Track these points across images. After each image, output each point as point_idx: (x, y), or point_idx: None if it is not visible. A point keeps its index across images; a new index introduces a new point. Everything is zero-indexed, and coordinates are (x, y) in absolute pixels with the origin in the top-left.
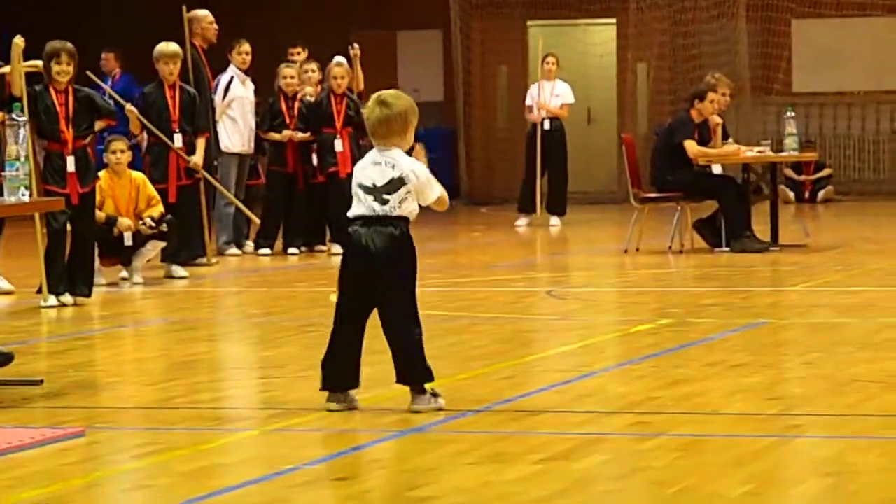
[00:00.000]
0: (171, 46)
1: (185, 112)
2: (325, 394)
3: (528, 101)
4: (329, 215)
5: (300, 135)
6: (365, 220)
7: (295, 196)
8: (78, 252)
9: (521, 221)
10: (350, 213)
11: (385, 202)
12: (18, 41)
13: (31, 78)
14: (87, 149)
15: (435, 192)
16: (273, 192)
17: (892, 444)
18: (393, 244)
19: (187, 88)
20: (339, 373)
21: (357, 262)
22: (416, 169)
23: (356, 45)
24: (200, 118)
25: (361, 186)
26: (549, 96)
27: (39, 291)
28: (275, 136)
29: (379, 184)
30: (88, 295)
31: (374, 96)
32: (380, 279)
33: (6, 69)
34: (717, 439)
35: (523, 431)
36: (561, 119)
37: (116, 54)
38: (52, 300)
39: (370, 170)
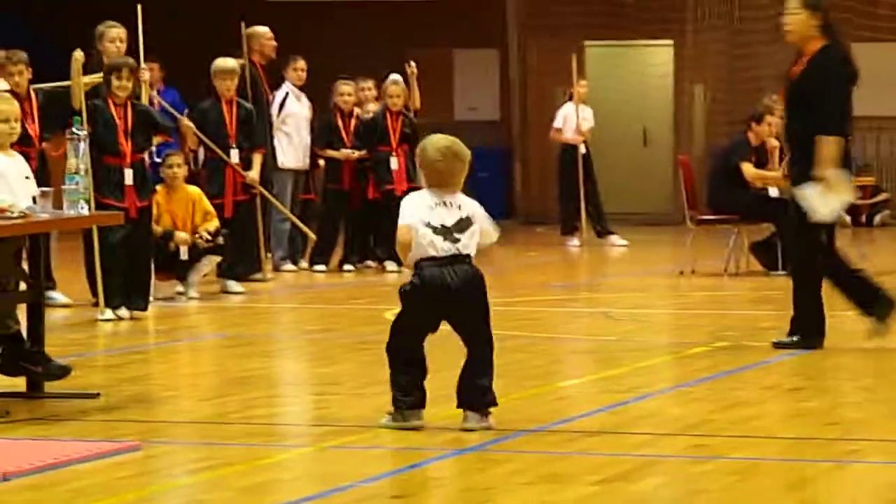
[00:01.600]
0: (229, 63)
1: (241, 127)
2: (382, 412)
3: (558, 124)
4: (384, 233)
5: (356, 153)
6: (436, 260)
7: (350, 213)
8: (135, 266)
9: (574, 242)
10: (416, 257)
11: (457, 241)
12: (78, 55)
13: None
14: (143, 162)
15: (495, 234)
16: (329, 209)
17: None
18: (471, 281)
19: (244, 104)
20: (421, 392)
21: (434, 301)
22: (478, 210)
23: (413, 64)
24: (257, 134)
25: (431, 227)
26: (581, 120)
27: (96, 305)
28: (332, 153)
29: (449, 224)
30: (145, 309)
31: (442, 146)
32: (459, 313)
33: (67, 83)
34: (774, 463)
35: (580, 452)
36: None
37: (160, 64)
38: (109, 314)
39: (438, 211)
